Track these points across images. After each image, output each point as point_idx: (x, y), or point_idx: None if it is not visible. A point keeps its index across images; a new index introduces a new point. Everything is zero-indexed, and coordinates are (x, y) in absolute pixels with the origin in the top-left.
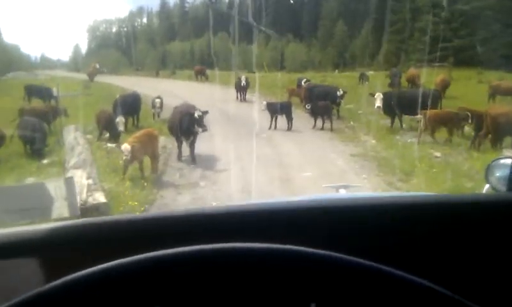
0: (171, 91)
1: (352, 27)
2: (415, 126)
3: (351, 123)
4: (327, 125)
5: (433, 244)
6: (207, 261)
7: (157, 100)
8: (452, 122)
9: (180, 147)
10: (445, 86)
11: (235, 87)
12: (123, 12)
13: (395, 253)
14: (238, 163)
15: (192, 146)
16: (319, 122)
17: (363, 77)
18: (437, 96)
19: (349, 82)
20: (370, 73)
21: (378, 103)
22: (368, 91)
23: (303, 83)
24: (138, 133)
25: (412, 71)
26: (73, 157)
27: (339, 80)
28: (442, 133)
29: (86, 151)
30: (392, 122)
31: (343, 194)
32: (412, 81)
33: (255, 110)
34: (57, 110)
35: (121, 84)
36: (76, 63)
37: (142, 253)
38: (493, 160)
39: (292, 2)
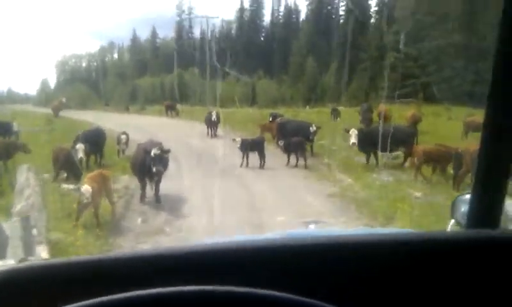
0: (139, 127)
1: (321, 64)
2: (390, 164)
3: (326, 160)
4: (301, 162)
5: (394, 281)
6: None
7: (123, 136)
8: (443, 159)
9: (143, 188)
10: (415, 121)
11: (206, 123)
12: (93, 47)
13: (357, 291)
14: (207, 205)
15: (156, 186)
16: (293, 159)
17: (334, 113)
18: (413, 132)
19: (321, 118)
20: (340, 108)
21: (353, 139)
22: (340, 127)
23: (276, 119)
24: (91, 174)
25: (382, 106)
26: (21, 201)
27: (311, 115)
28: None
29: (35, 195)
30: (368, 159)
31: (312, 229)
32: (383, 116)
33: (226, 146)
34: (16, 146)
35: (88, 119)
36: (43, 98)
37: (107, 294)
38: (458, 196)
39: (262, 39)
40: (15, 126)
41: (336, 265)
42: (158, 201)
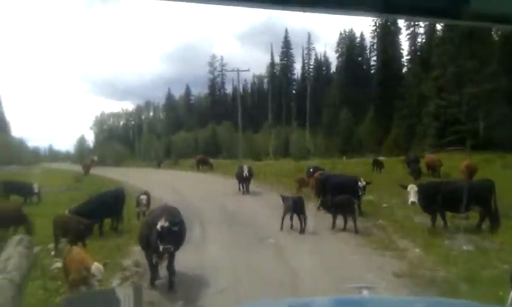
0: (168, 183)
1: (355, 114)
2: (462, 226)
3: (380, 221)
4: (349, 224)
5: None
6: None
7: (142, 197)
8: None
9: (151, 268)
10: (471, 171)
11: (237, 178)
12: (130, 106)
13: None
14: (234, 292)
15: (169, 267)
16: (339, 220)
17: (377, 164)
18: (490, 186)
19: (361, 169)
20: (381, 158)
21: (413, 197)
22: (386, 179)
23: (315, 173)
24: (67, 253)
25: (431, 156)
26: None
27: (350, 167)
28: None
29: (16, 272)
30: (433, 220)
31: (365, 296)
32: (432, 167)
33: (259, 204)
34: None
35: (118, 176)
36: (81, 156)
37: None
38: None
39: (294, 92)
40: (36, 188)
41: None
42: (171, 287)
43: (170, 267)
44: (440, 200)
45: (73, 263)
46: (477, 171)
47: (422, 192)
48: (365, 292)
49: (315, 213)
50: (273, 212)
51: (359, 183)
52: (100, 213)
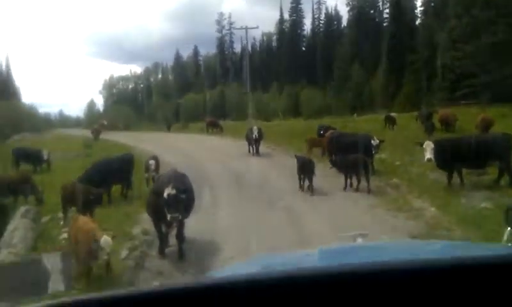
0: (177, 147)
1: (367, 69)
2: (479, 182)
3: (394, 179)
4: (361, 184)
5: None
6: None
7: (151, 162)
8: None
9: (161, 237)
10: (487, 125)
11: (247, 140)
12: (139, 69)
13: None
14: (244, 256)
15: (179, 235)
16: (349, 179)
17: (389, 120)
18: (509, 140)
19: (373, 127)
20: (393, 114)
21: (429, 154)
22: (399, 136)
23: (326, 132)
24: (73, 223)
25: (445, 111)
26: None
27: (362, 124)
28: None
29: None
30: (450, 178)
31: (360, 242)
32: (446, 122)
33: (269, 166)
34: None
35: (128, 140)
36: (91, 120)
37: None
38: None
39: (303, 49)
40: (45, 155)
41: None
42: (181, 257)
43: (179, 235)
44: (457, 156)
45: (81, 234)
46: (493, 124)
47: (439, 149)
48: (359, 240)
49: (327, 174)
50: (283, 174)
51: (372, 142)
52: (109, 179)
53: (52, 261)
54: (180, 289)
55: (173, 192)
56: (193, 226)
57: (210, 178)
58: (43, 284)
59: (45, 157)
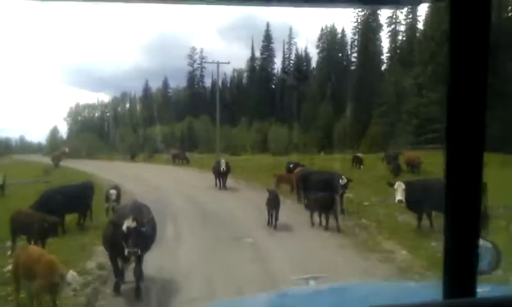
0: (140, 177)
1: (335, 109)
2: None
3: (363, 220)
4: (330, 223)
5: None
6: None
7: (112, 192)
8: None
9: (116, 273)
10: None
11: (214, 173)
12: (106, 97)
13: None
14: (207, 297)
15: (136, 271)
16: (317, 218)
17: (356, 160)
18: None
19: (341, 166)
20: (360, 155)
21: (400, 196)
22: (366, 177)
23: (295, 169)
24: (23, 254)
25: (410, 153)
26: None
27: (329, 163)
28: None
29: None
30: (420, 221)
31: (313, 286)
32: (412, 164)
33: (236, 201)
34: None
35: (90, 169)
36: (53, 147)
37: None
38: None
39: (273, 86)
40: (0, 180)
41: None
42: (138, 296)
43: (137, 272)
44: (428, 198)
45: (39, 267)
46: None
47: (410, 190)
48: (311, 283)
49: (295, 210)
50: (250, 209)
51: (340, 181)
52: (65, 208)
53: None
54: None
55: (133, 224)
56: (153, 262)
57: (173, 211)
58: None
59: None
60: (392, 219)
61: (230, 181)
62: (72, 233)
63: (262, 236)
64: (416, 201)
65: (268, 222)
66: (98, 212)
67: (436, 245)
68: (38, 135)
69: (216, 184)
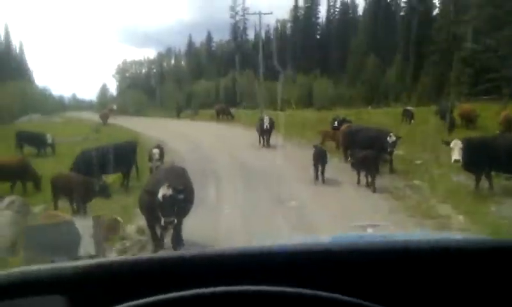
0: (187, 134)
1: (383, 61)
2: (508, 188)
3: (415, 181)
4: (382, 182)
5: (456, 291)
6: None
7: (155, 151)
8: None
9: (155, 239)
10: (511, 123)
11: (257, 130)
12: (152, 53)
13: (411, 299)
14: None
15: (175, 238)
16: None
17: (407, 114)
18: None
19: (389, 120)
20: (411, 108)
21: (456, 155)
22: (417, 132)
23: (341, 125)
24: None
25: (465, 106)
26: None
27: (377, 117)
28: None
29: None
30: (478, 182)
31: (370, 234)
32: (467, 118)
33: (281, 160)
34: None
35: (137, 126)
36: (103, 104)
37: (160, 292)
38: None
39: (318, 37)
40: (49, 138)
41: (390, 269)
42: None
43: (176, 239)
44: (488, 158)
45: None
46: None
47: (468, 149)
48: (369, 230)
49: (338, 168)
50: (295, 168)
51: (388, 138)
52: (104, 168)
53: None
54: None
55: (169, 192)
56: (194, 226)
57: (216, 171)
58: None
59: (49, 141)
60: (447, 180)
61: (273, 138)
62: (116, 194)
63: (308, 198)
64: (474, 160)
65: (316, 178)
66: (143, 171)
67: (496, 209)
68: (89, 92)
69: (260, 141)
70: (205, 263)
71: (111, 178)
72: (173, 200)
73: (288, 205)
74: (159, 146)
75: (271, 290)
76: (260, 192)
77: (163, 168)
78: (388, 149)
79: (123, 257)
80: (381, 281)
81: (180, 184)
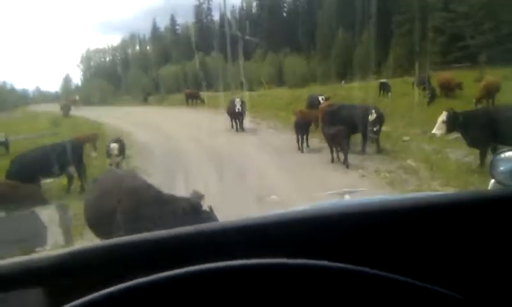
0: (154, 122)
1: (353, 34)
2: None
3: (408, 161)
4: (371, 164)
5: (440, 246)
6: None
7: (113, 146)
8: None
9: None
10: (491, 91)
11: (228, 114)
12: (116, 40)
13: (400, 257)
14: None
15: None
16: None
17: (384, 87)
18: None
19: (366, 94)
20: (385, 81)
21: (440, 129)
22: (397, 104)
23: (321, 100)
24: None
25: (444, 74)
26: None
27: (353, 92)
28: None
29: None
30: (483, 159)
31: (348, 200)
32: (447, 87)
33: (256, 146)
34: None
35: (101, 116)
36: (69, 95)
37: (143, 274)
38: (496, 154)
39: (284, 14)
40: (1, 137)
41: (366, 231)
42: None
43: None
44: (483, 133)
45: None
46: (498, 90)
47: (468, 121)
48: (347, 197)
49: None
50: (273, 156)
51: (374, 114)
52: (49, 171)
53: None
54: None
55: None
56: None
57: (186, 163)
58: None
59: (2, 139)
60: (444, 159)
61: (246, 121)
62: (58, 200)
63: (290, 192)
64: (477, 133)
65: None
66: (102, 168)
67: None
68: (54, 84)
69: (232, 126)
70: (186, 242)
71: (55, 182)
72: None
73: (267, 200)
74: (118, 140)
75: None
76: (236, 186)
77: (105, 175)
78: (375, 128)
79: (99, 242)
80: (378, 244)
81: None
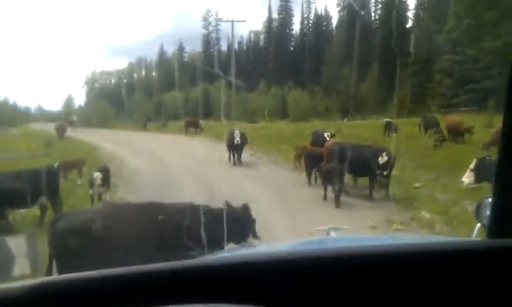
0: (150, 149)
1: (358, 72)
2: None
3: (423, 212)
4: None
5: (423, 294)
6: None
7: (96, 175)
8: None
9: None
10: None
11: (227, 146)
12: (122, 64)
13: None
14: None
15: None
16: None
17: (389, 127)
18: None
19: (371, 134)
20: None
21: (468, 177)
22: (404, 146)
23: (326, 137)
24: None
25: (453, 118)
26: None
27: (357, 130)
28: None
29: None
30: None
31: (333, 236)
32: (455, 131)
33: (254, 183)
34: None
35: (97, 139)
36: (69, 116)
37: None
38: (483, 199)
39: (292, 49)
40: None
41: (352, 277)
42: None
43: None
44: None
45: None
46: None
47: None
48: (332, 234)
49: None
50: (272, 195)
51: (385, 158)
52: (21, 200)
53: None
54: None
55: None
56: None
57: (175, 193)
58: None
59: None
60: (462, 211)
61: (246, 154)
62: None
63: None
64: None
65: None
66: (85, 198)
67: None
68: (57, 103)
69: (230, 159)
70: (154, 280)
71: (28, 213)
72: None
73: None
74: (103, 168)
75: None
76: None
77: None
78: (385, 172)
79: (72, 274)
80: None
81: None
